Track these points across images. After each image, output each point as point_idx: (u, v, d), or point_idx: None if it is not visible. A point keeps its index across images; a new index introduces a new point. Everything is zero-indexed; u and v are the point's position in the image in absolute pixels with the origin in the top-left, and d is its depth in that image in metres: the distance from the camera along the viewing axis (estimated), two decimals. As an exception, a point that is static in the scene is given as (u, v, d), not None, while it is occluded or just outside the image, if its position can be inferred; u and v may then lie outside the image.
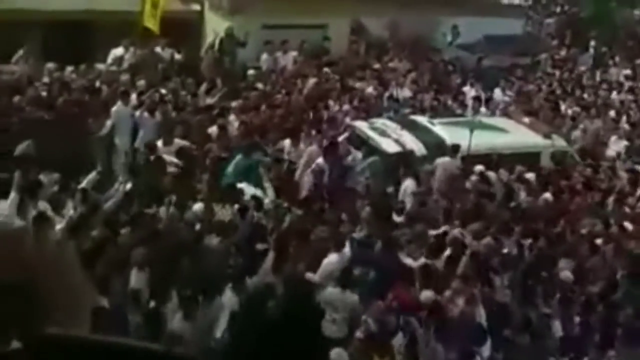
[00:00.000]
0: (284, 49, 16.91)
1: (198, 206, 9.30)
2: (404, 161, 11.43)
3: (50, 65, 13.95)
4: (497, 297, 8.75)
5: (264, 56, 16.72)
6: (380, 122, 12.89)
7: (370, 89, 15.81)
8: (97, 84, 13.81)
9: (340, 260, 8.72)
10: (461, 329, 8.01)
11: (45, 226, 7.55)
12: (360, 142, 12.08)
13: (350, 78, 16.38)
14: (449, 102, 15.98)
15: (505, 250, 9.65)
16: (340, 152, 11.57)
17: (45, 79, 13.66)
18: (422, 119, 13.24)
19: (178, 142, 11.35)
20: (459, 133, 12.28)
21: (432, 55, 18.55)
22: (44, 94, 12.81)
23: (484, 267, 8.99)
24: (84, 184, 9.40)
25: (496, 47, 18.45)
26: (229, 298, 7.79)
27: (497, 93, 16.76)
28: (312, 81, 15.67)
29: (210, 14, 17.12)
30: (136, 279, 7.83)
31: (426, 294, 8.27)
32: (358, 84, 16.03)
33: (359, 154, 11.65)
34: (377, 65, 17.18)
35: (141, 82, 13.76)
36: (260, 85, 15.16)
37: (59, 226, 8.12)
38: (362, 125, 12.66)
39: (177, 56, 15.69)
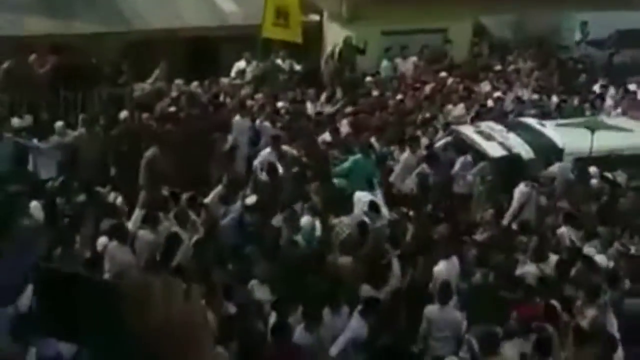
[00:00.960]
0: (404, 54, 16.81)
1: (307, 220, 9.24)
2: (512, 165, 10.99)
3: (178, 81, 14.54)
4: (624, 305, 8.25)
5: (384, 63, 16.68)
6: (485, 125, 12.43)
7: (493, 91, 15.44)
8: (221, 97, 14.24)
9: (452, 268, 8.50)
10: (592, 338, 7.58)
11: (177, 245, 7.86)
12: (466, 146, 11.72)
13: (473, 81, 16.08)
14: (576, 102, 15.31)
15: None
16: (442, 159, 11.40)
17: (174, 94, 14.26)
18: (531, 121, 12.68)
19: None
20: (572, 134, 11.71)
21: (560, 53, 17.85)
22: (172, 109, 13.32)
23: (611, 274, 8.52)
24: (209, 198, 9.58)
25: (629, 42, 17.49)
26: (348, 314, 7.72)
27: (633, 88, 15.87)
28: (428, 87, 15.53)
29: (329, 23, 17.26)
30: (260, 291, 7.92)
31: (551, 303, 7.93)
32: (481, 87, 15.74)
33: (468, 158, 11.33)
34: (499, 67, 16.73)
35: (259, 95, 14.10)
36: (376, 92, 15.15)
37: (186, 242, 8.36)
38: (466, 129, 12.28)
39: (297, 67, 15.93)
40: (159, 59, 15.54)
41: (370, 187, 10.45)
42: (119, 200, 9.30)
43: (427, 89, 15.38)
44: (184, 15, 16.58)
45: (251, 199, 9.63)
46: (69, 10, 15.70)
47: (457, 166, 11.35)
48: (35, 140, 11.32)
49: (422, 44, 16.91)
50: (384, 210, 9.78)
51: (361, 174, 10.76)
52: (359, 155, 11.13)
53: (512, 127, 12.15)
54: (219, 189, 9.60)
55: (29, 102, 13.13)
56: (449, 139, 12.16)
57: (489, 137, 11.73)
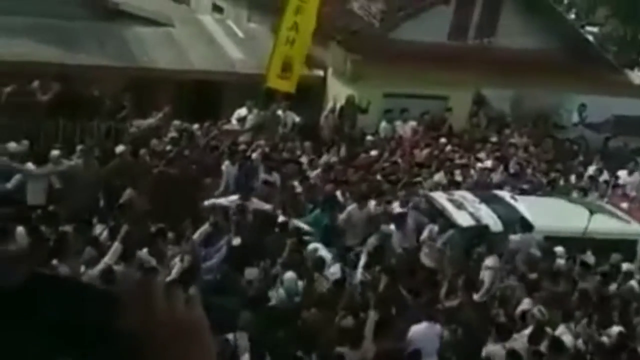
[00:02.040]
0: (403, 117, 17.00)
1: (290, 275, 9.22)
2: (479, 236, 11.01)
3: (177, 122, 14.63)
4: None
5: (383, 124, 16.85)
6: (458, 194, 12.53)
7: (488, 163, 15.57)
8: (219, 142, 14.33)
9: (430, 332, 8.47)
10: None
11: (154, 279, 7.78)
12: (436, 213, 11.79)
13: (469, 151, 16.25)
14: (572, 180, 15.45)
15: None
16: (409, 223, 11.50)
17: (173, 134, 14.34)
18: (504, 194, 12.79)
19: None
20: (543, 212, 11.82)
21: (556, 132, 18.07)
22: (168, 147, 13.39)
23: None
24: (195, 236, 9.60)
25: (625, 128, 17.74)
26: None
27: (623, 175, 16.04)
28: (425, 151, 15.69)
29: (333, 80, 17.50)
30: (240, 339, 7.86)
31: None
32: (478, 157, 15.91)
33: (435, 228, 11.37)
34: (494, 139, 16.92)
35: (258, 142, 14.23)
36: (374, 152, 15.29)
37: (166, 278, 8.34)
38: (439, 195, 12.37)
39: (297, 119, 16.09)
40: (161, 97, 15.71)
41: (326, 242, 10.53)
42: (105, 234, 9.28)
43: (424, 153, 15.55)
44: (191, 57, 16.82)
45: (236, 240, 9.71)
46: (76, 41, 15.90)
47: (425, 233, 11.36)
48: (29, 165, 11.33)
49: (422, 109, 17.14)
50: (334, 267, 9.75)
51: (318, 227, 10.95)
52: (317, 210, 11.34)
53: (485, 199, 12.23)
54: (205, 227, 9.61)
55: (27, 128, 13.19)
56: (416, 202, 12.22)
57: (459, 206, 11.79)
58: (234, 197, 10.98)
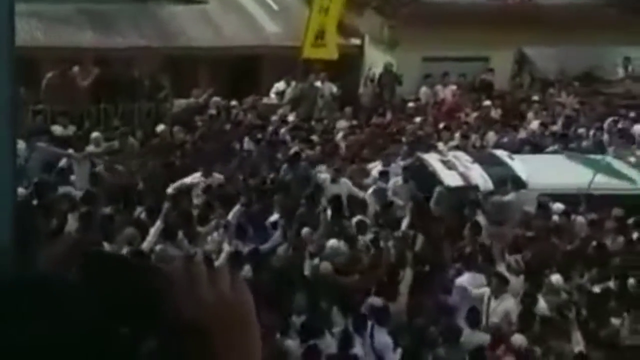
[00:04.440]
0: (444, 82, 16.76)
1: (333, 242, 9.22)
2: (466, 196, 10.88)
3: (216, 98, 14.73)
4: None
5: (423, 89, 16.65)
6: (452, 154, 12.40)
7: (535, 124, 15.28)
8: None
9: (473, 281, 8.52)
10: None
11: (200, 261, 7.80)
12: (428, 174, 11.69)
13: (513, 112, 15.96)
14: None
15: None
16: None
17: (212, 111, 14.46)
18: (501, 153, 12.57)
19: None
20: (539, 169, 11.65)
21: (602, 88, 17.57)
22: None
23: None
24: (229, 217, 9.56)
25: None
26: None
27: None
28: (474, 115, 15.50)
29: (370, 47, 17.32)
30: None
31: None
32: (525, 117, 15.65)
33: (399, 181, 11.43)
34: (536, 98, 16.55)
35: (290, 118, 14.27)
36: (418, 118, 15.14)
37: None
38: (431, 156, 12.27)
39: (335, 89, 16.01)
40: (199, 75, 15.80)
41: None
42: (143, 214, 9.39)
43: (471, 117, 15.36)
44: (226, 33, 16.82)
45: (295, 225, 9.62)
46: (113, 24, 16.08)
47: (389, 184, 11.46)
48: (70, 150, 11.55)
49: (463, 71, 16.88)
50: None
51: None
52: None
53: (479, 158, 12.13)
54: (237, 207, 9.58)
55: (70, 112, 13.44)
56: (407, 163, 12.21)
57: (450, 167, 11.73)
58: (197, 175, 10.79)
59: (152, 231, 8.60)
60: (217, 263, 8.26)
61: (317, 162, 12.24)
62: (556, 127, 15.15)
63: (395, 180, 11.67)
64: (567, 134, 14.69)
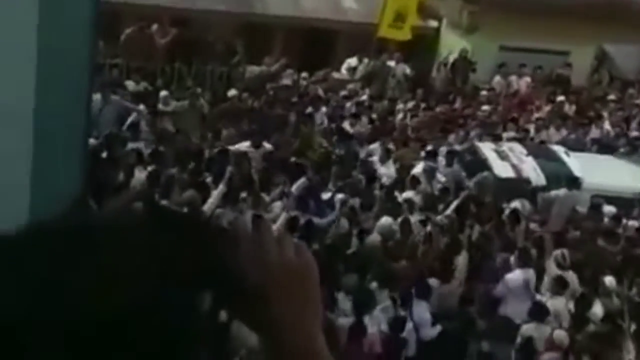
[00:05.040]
0: (520, 72, 16.43)
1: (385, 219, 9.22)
2: (516, 188, 10.71)
3: (290, 70, 14.77)
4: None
5: (497, 78, 16.36)
6: (507, 145, 12.19)
7: (607, 124, 14.90)
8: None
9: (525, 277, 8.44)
10: None
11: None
12: (480, 163, 11.52)
13: (587, 110, 15.58)
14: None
15: None
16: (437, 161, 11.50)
17: (286, 81, 14.53)
18: (558, 148, 12.33)
19: None
20: (596, 169, 11.36)
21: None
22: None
23: None
24: (293, 188, 9.63)
25: None
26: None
27: None
28: (546, 109, 15.20)
29: (447, 31, 17.07)
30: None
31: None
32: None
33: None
34: (613, 97, 16.08)
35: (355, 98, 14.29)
36: (486, 107, 14.92)
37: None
38: (486, 146, 12.10)
39: (408, 71, 15.86)
40: (273, 44, 15.84)
41: None
42: (209, 178, 9.48)
43: (544, 111, 15.07)
44: (304, 4, 16.79)
45: (354, 201, 9.63)
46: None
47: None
48: (141, 106, 11.76)
49: (540, 64, 16.52)
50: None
51: None
52: None
53: (534, 152, 11.94)
54: (303, 180, 9.63)
55: (145, 69, 13.68)
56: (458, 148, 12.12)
57: (504, 158, 11.57)
58: (247, 143, 10.82)
59: (215, 194, 8.71)
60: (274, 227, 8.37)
61: (366, 140, 12.20)
62: (632, 131, 14.76)
63: (442, 163, 11.63)
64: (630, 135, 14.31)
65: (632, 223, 10.42)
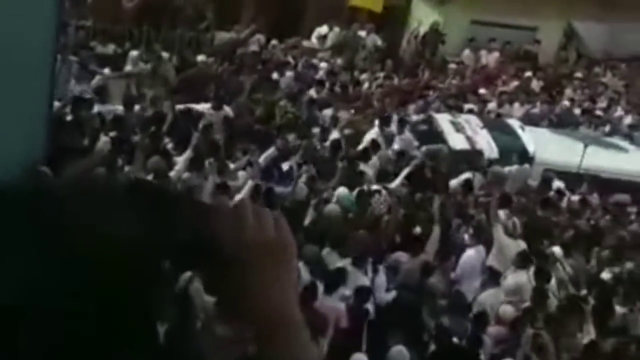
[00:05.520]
0: (489, 47, 16.50)
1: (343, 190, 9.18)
2: (468, 160, 10.79)
3: (259, 35, 14.63)
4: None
5: (466, 52, 16.41)
6: (464, 117, 12.27)
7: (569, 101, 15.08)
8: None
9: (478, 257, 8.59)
10: None
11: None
12: (435, 134, 11.62)
13: (554, 87, 15.73)
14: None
15: None
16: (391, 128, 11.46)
17: (254, 48, 14.39)
18: (514, 123, 12.46)
19: None
20: (549, 144, 11.58)
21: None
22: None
23: None
24: (261, 159, 9.54)
25: None
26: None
27: None
28: (513, 84, 15.31)
29: (418, 3, 17.04)
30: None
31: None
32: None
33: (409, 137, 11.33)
34: (579, 75, 16.26)
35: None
36: (455, 80, 14.99)
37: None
38: (442, 117, 12.18)
39: (379, 42, 15.83)
40: (243, 10, 15.67)
41: None
42: (171, 144, 9.38)
43: (511, 85, 15.19)
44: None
45: (312, 170, 9.59)
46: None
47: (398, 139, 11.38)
48: (106, 70, 11.57)
49: (509, 39, 16.60)
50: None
51: None
52: None
53: (490, 125, 12.04)
54: (271, 151, 9.55)
55: (112, 31, 13.45)
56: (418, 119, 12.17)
57: (458, 129, 11.67)
58: (207, 105, 10.76)
59: (181, 160, 8.65)
60: (238, 196, 8.36)
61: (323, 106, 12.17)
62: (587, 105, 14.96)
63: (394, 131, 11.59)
64: (594, 113, 14.47)
65: (575, 198, 10.62)
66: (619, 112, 15.08)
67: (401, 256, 8.40)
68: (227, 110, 10.89)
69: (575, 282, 8.66)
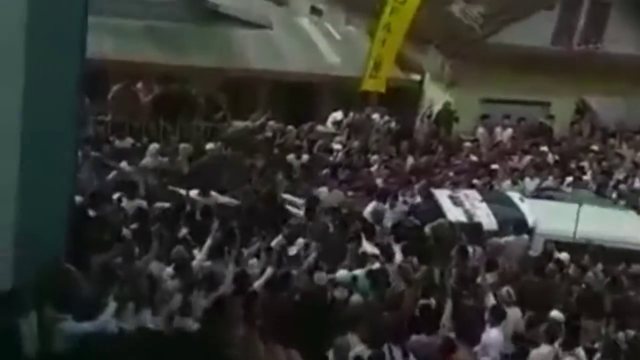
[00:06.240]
0: (503, 124, 16.64)
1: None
2: (467, 232, 10.73)
3: (272, 122, 14.84)
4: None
5: (480, 130, 16.54)
6: (462, 192, 12.36)
7: (588, 175, 15.02)
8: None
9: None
10: None
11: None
12: (434, 209, 11.68)
13: (570, 160, 15.72)
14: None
15: None
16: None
17: (268, 134, 14.59)
18: (513, 195, 12.53)
19: None
20: (550, 215, 11.53)
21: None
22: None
23: None
24: (273, 244, 9.53)
25: None
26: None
27: None
28: (527, 158, 15.31)
29: (430, 84, 17.30)
30: None
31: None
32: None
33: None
34: (595, 147, 16.27)
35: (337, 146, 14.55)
36: (474, 157, 15.07)
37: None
38: (441, 192, 12.28)
39: (393, 124, 16.00)
40: (258, 99, 15.97)
41: None
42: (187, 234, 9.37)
43: (524, 161, 15.19)
44: (288, 59, 16.98)
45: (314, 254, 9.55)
46: (177, 42, 16.34)
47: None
48: (124, 163, 11.70)
49: (523, 115, 16.75)
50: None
51: None
52: None
53: (489, 198, 12.11)
54: (279, 238, 9.56)
55: (129, 125, 13.69)
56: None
57: (457, 203, 11.75)
58: (195, 192, 10.77)
59: (204, 249, 8.65)
60: (256, 284, 8.35)
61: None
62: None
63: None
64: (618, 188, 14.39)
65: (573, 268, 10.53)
66: (637, 183, 14.99)
67: (421, 338, 8.20)
68: (214, 194, 10.96)
69: None
